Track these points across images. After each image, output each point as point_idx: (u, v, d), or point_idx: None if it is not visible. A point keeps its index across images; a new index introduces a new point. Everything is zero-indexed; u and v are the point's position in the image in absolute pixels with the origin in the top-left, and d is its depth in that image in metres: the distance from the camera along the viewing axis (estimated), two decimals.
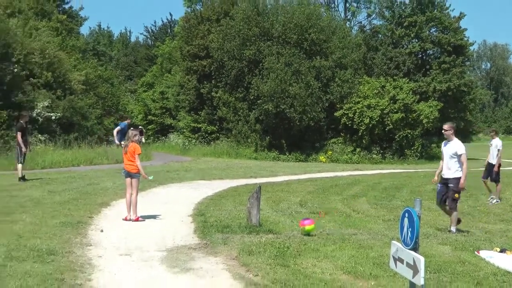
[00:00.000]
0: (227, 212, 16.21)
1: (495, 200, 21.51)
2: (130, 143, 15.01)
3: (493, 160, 22.09)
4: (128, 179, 14.92)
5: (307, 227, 12.95)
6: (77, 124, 44.14)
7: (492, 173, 22.17)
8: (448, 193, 13.96)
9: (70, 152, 35.49)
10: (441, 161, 14.90)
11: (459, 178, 13.92)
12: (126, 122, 28.68)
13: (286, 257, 10.72)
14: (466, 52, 66.09)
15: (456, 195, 13.93)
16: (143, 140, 42.76)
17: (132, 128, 18.17)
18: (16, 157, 23.48)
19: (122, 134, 26.94)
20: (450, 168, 14.07)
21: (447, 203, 14.05)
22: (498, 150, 22.02)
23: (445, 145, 14.43)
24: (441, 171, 14.58)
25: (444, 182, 14.18)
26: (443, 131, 14.58)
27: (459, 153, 13.90)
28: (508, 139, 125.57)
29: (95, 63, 63.79)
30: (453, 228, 13.90)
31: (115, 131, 28.14)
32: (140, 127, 45.83)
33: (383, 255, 10.72)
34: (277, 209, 17.56)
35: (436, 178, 14.82)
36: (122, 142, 26.64)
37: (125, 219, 14.63)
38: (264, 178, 28.18)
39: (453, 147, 14.05)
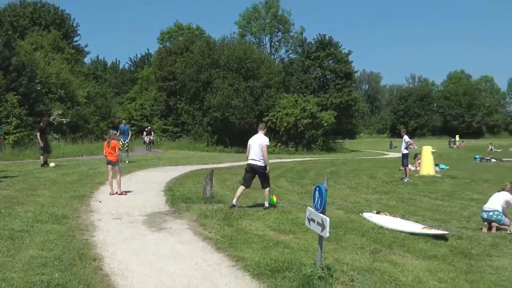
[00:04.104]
0: (188, 188, 16.16)
1: (406, 179, 21.52)
2: (112, 140, 15.03)
3: (404, 151, 22.16)
4: (109, 166, 14.93)
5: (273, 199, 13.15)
6: (81, 126, 44.10)
7: (403, 159, 22.29)
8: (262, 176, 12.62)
9: (76, 146, 35.23)
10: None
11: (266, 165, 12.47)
12: (123, 124, 28.69)
13: (231, 220, 10.78)
14: (352, 77, 67.11)
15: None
16: (152, 138, 42.39)
17: (112, 129, 18.15)
18: (39, 150, 23.33)
19: (120, 133, 27.00)
20: (259, 157, 12.37)
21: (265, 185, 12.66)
22: (406, 142, 22.08)
23: (255, 138, 12.59)
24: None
25: (252, 168, 12.59)
26: (259, 128, 12.97)
27: (264, 143, 12.36)
28: (378, 137, 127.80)
29: (94, 83, 63.54)
30: (266, 204, 12.63)
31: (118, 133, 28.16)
32: (148, 127, 45.49)
33: (299, 217, 10.85)
34: (224, 186, 17.57)
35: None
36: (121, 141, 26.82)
37: (111, 194, 14.49)
38: (214, 164, 28.13)
39: (262, 139, 12.41)
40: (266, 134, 12.97)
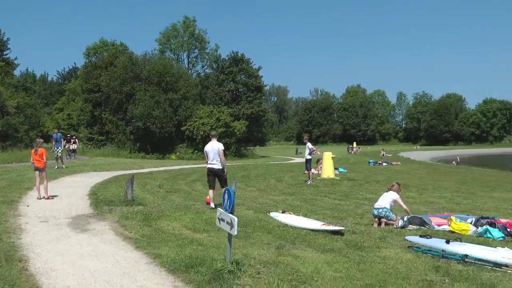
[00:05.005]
0: (111, 192, 15.88)
1: (309, 182, 21.68)
2: (39, 148, 14.86)
3: (307, 156, 22.42)
4: (37, 172, 14.71)
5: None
6: (11, 135, 42.75)
7: (307, 164, 22.58)
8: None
9: (6, 154, 34.04)
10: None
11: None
12: (55, 133, 28.41)
13: (150, 220, 10.70)
14: (262, 90, 67.48)
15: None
16: (74, 146, 41.00)
17: (40, 137, 17.95)
18: None
19: (55, 141, 27.07)
20: (217, 160, 13.28)
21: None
22: (309, 148, 22.37)
23: (211, 146, 13.48)
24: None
25: (211, 171, 13.40)
26: (211, 136, 13.85)
27: (220, 149, 13.25)
28: (286, 144, 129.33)
29: (23, 94, 61.82)
30: (212, 205, 13.20)
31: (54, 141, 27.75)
32: (74, 136, 44.02)
33: (212, 217, 10.83)
34: (144, 189, 17.34)
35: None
36: (55, 148, 26.75)
37: (38, 198, 14.17)
38: (136, 170, 27.72)
39: (217, 145, 13.34)
40: (219, 141, 13.84)
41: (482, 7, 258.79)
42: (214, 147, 13.35)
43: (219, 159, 13.26)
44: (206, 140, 47.65)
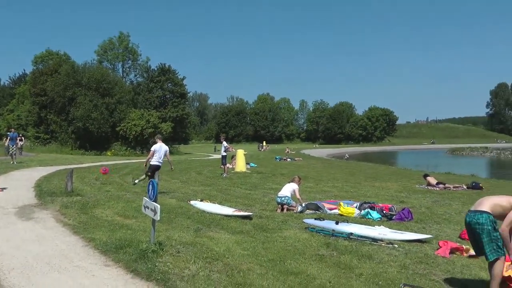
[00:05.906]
0: (54, 184, 15.31)
1: (225, 175, 21.68)
2: None
3: (223, 153, 22.48)
4: None
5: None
6: None
7: (223, 160, 22.63)
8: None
9: None
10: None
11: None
12: (12, 132, 27.38)
13: (86, 209, 10.44)
14: (186, 97, 67.29)
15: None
16: (20, 144, 38.71)
17: None
18: None
19: (10, 139, 26.18)
20: (163, 159, 14.14)
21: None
22: (225, 146, 22.44)
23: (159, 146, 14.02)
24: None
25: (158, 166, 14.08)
26: (158, 139, 14.38)
27: (167, 151, 14.36)
28: (206, 143, 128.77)
29: None
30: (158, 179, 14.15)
31: (8, 139, 26.77)
32: (20, 135, 41.74)
33: (140, 205, 10.64)
34: (83, 182, 16.82)
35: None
36: (10, 145, 26.00)
37: None
38: (76, 165, 26.79)
39: (165, 147, 14.21)
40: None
41: (365, 27, 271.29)
42: (163, 148, 14.08)
43: (164, 157, 14.10)
44: (137, 139, 47.47)
